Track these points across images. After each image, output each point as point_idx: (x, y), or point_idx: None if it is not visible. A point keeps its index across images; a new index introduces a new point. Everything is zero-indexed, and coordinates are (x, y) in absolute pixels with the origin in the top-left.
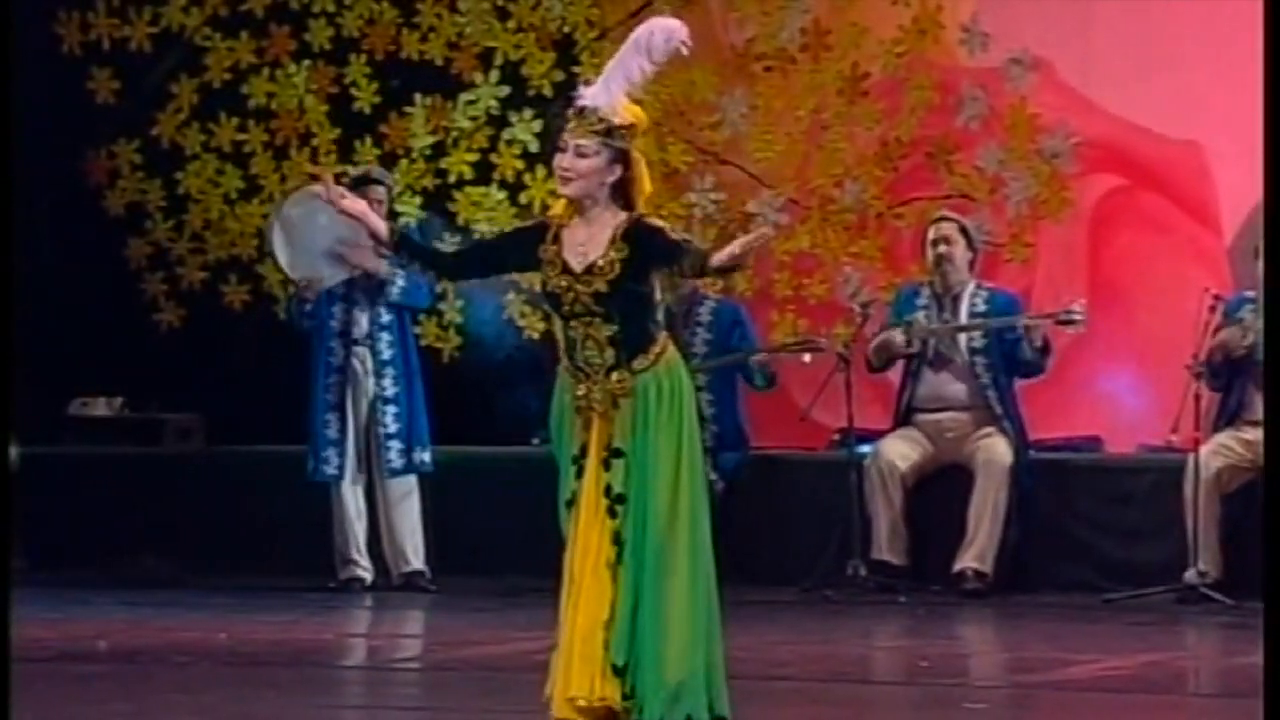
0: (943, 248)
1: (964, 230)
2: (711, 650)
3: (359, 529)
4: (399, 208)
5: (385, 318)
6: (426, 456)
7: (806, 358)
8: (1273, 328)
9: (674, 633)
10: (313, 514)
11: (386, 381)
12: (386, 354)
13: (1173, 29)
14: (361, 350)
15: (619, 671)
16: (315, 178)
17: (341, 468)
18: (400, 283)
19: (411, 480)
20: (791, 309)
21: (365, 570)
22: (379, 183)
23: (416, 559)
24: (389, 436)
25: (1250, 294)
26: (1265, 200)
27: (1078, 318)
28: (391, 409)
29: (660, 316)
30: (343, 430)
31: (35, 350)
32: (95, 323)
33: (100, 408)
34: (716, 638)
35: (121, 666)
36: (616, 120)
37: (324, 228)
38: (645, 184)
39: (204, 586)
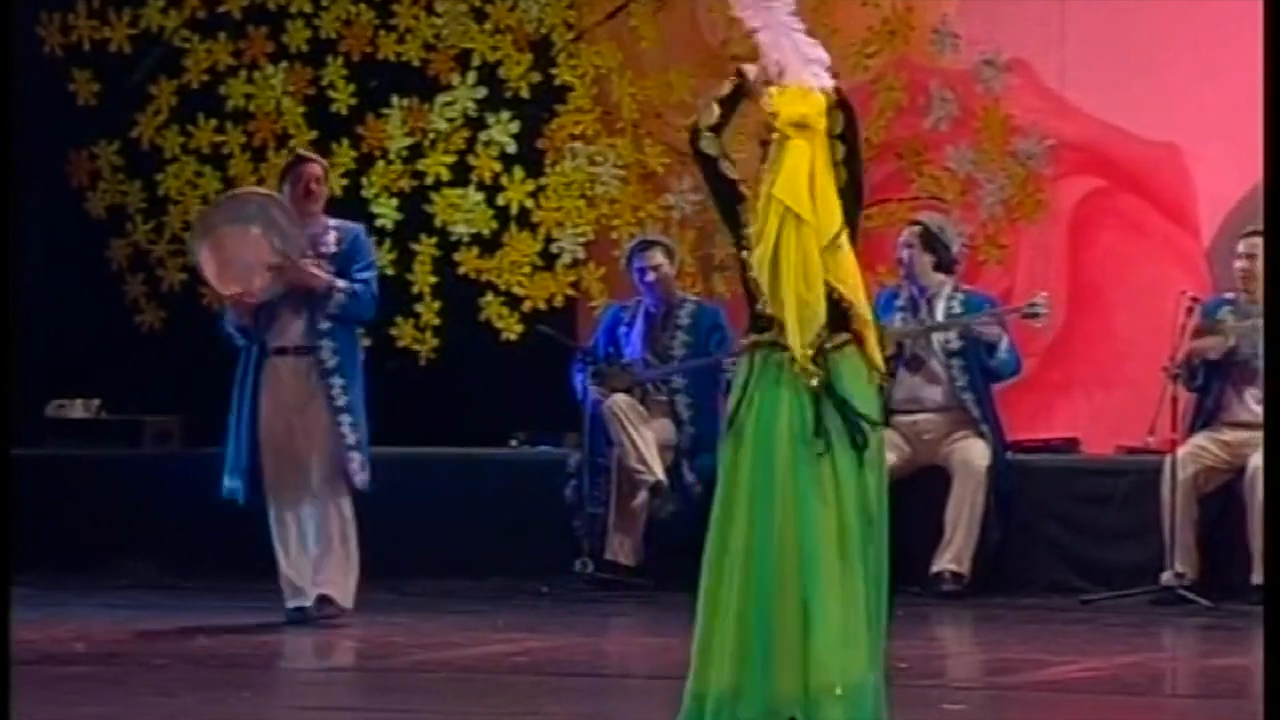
0: (904, 253)
1: (925, 234)
2: None
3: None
4: (376, 209)
5: (324, 325)
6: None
7: None
8: (1273, 328)
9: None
10: None
11: (335, 391)
12: (330, 362)
13: (1151, 31)
14: (288, 360)
15: None
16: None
17: (260, 488)
18: (340, 297)
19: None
20: None
21: (308, 599)
22: (312, 160)
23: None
24: (350, 448)
25: (1229, 296)
26: (1265, 200)
27: (1041, 310)
28: (347, 419)
29: None
30: (254, 446)
31: (17, 351)
32: (77, 324)
33: (77, 410)
34: None
35: (99, 668)
36: None
37: (256, 240)
38: None
39: (182, 589)
